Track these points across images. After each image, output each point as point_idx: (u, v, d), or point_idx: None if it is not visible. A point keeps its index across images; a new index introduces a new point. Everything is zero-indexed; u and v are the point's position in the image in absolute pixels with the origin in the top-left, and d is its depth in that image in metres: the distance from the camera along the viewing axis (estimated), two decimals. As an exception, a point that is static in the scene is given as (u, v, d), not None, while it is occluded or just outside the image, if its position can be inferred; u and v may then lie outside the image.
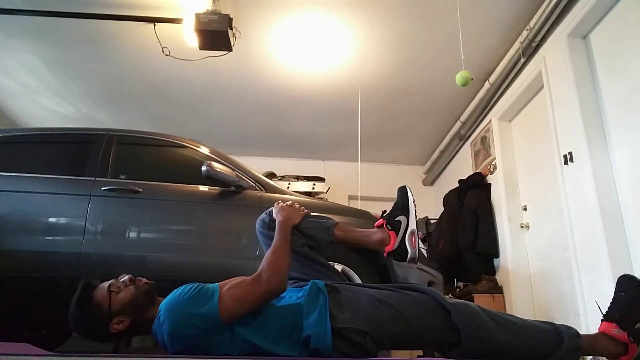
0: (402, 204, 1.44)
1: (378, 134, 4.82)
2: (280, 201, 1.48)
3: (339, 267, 2.15)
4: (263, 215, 1.49)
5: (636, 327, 1.22)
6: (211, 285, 1.21)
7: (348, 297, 1.24)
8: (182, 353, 1.13)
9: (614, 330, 1.24)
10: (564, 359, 1.22)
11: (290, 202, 1.48)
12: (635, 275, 1.29)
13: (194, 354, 1.12)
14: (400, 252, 1.39)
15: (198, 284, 1.21)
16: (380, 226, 1.44)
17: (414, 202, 1.44)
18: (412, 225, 1.40)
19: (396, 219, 1.42)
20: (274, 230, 1.38)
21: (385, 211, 1.48)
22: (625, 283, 1.29)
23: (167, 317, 1.13)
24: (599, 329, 1.28)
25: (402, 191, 1.47)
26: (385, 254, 1.41)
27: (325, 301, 1.20)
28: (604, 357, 1.28)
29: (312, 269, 1.41)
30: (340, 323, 1.16)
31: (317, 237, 1.46)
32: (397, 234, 1.40)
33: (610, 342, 1.24)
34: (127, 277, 1.28)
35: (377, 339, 1.19)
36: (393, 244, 1.39)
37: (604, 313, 1.29)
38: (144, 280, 1.30)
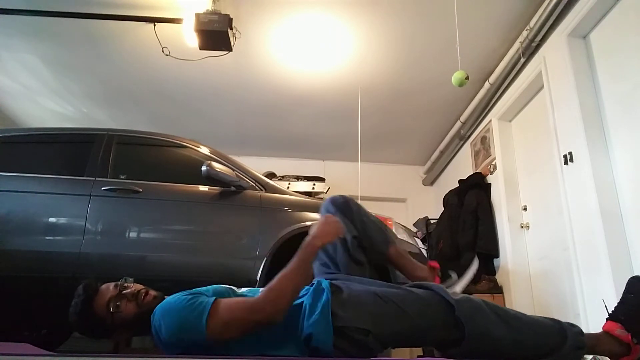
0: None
1: (378, 134, 4.82)
2: (329, 215, 1.33)
3: None
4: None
5: None
6: (205, 300, 1.14)
7: (351, 296, 1.24)
8: (182, 353, 1.13)
9: (618, 330, 1.23)
10: (568, 356, 1.22)
11: (336, 219, 1.32)
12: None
13: (194, 354, 1.12)
14: None
15: (194, 295, 1.16)
16: (431, 268, 1.46)
17: (474, 271, 1.48)
18: (458, 288, 1.44)
19: (449, 271, 1.46)
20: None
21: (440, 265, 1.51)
22: (635, 285, 1.29)
23: (162, 323, 1.13)
24: (603, 328, 1.28)
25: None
26: None
27: (328, 300, 1.20)
28: (606, 357, 1.28)
29: (346, 261, 1.44)
30: (343, 322, 1.16)
31: (374, 242, 1.49)
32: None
33: (614, 342, 1.24)
34: (131, 289, 1.24)
35: (380, 337, 1.18)
36: None
37: (610, 312, 1.29)
38: (152, 294, 1.25)
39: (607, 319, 1.29)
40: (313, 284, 1.29)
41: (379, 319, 1.19)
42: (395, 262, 1.52)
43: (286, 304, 1.13)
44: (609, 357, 1.26)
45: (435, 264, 1.46)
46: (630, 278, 1.32)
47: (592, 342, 1.25)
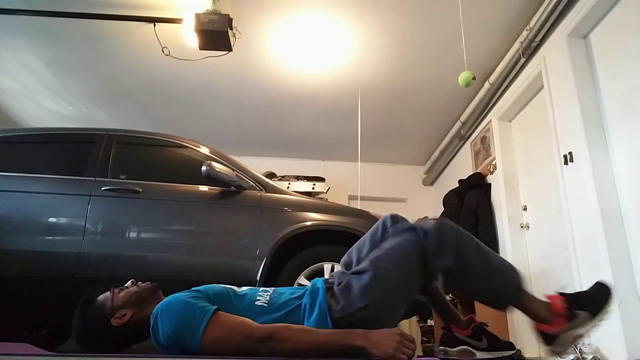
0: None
1: (378, 134, 4.82)
2: (408, 335, 1.11)
3: (328, 265, 2.16)
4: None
5: (577, 311, 1.21)
6: (205, 308, 1.12)
7: (340, 286, 1.25)
8: (181, 353, 1.13)
9: (558, 301, 1.23)
10: (508, 291, 1.25)
11: (412, 345, 1.09)
12: (610, 286, 1.25)
13: (194, 355, 1.12)
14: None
15: (194, 299, 1.16)
16: (470, 319, 1.42)
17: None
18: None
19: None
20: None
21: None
22: (598, 285, 1.28)
23: (159, 324, 1.13)
24: (547, 295, 1.29)
25: None
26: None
27: (324, 297, 1.22)
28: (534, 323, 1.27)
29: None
30: (340, 312, 1.18)
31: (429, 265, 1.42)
32: None
33: (545, 307, 1.24)
34: (129, 282, 1.32)
35: (379, 306, 1.20)
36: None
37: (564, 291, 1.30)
38: (148, 282, 1.32)
39: (556, 292, 1.30)
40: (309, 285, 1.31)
41: (368, 290, 1.19)
42: (433, 296, 1.47)
43: (281, 353, 1.07)
44: (532, 318, 1.26)
45: (474, 318, 1.41)
46: (597, 282, 1.28)
47: (529, 297, 1.26)
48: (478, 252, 1.26)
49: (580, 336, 1.22)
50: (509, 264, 1.30)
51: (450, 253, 1.22)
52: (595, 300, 1.22)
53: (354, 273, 1.26)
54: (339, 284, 1.26)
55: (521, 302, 1.26)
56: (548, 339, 1.23)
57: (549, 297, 1.26)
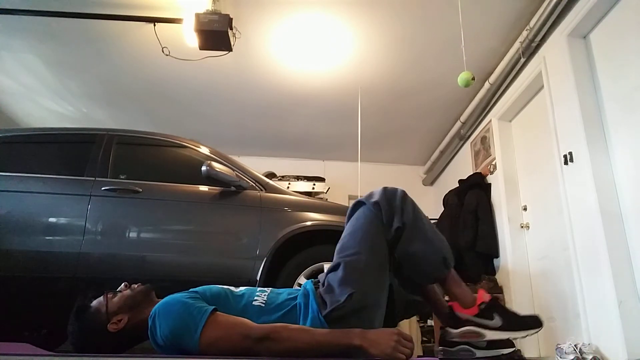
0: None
1: (378, 134, 4.82)
2: (407, 335, 1.12)
3: (328, 265, 2.15)
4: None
5: (495, 314, 1.24)
6: (203, 308, 1.12)
7: (324, 285, 1.27)
8: (181, 353, 1.13)
9: (485, 296, 1.27)
10: (439, 265, 1.29)
11: (410, 344, 1.10)
12: (542, 324, 1.25)
13: (194, 355, 1.12)
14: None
15: (192, 300, 1.15)
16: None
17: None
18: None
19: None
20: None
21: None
22: (533, 315, 1.29)
23: (157, 325, 1.13)
24: (480, 289, 1.33)
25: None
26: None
27: (314, 298, 1.23)
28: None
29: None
30: (328, 308, 1.19)
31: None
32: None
33: (470, 295, 1.28)
34: (122, 285, 1.30)
35: (363, 292, 1.21)
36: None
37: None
38: (140, 284, 1.31)
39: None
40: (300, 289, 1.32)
41: (345, 281, 1.20)
42: (426, 293, 1.48)
43: (279, 353, 1.06)
44: (453, 299, 1.30)
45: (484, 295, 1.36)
46: (535, 314, 1.29)
47: (456, 279, 1.30)
48: (417, 215, 1.29)
49: (477, 335, 1.23)
50: (445, 241, 1.34)
51: (397, 215, 1.26)
52: (518, 320, 1.24)
53: (330, 272, 1.27)
54: (323, 284, 1.28)
55: (448, 280, 1.30)
56: (455, 321, 1.26)
57: (480, 290, 1.29)
